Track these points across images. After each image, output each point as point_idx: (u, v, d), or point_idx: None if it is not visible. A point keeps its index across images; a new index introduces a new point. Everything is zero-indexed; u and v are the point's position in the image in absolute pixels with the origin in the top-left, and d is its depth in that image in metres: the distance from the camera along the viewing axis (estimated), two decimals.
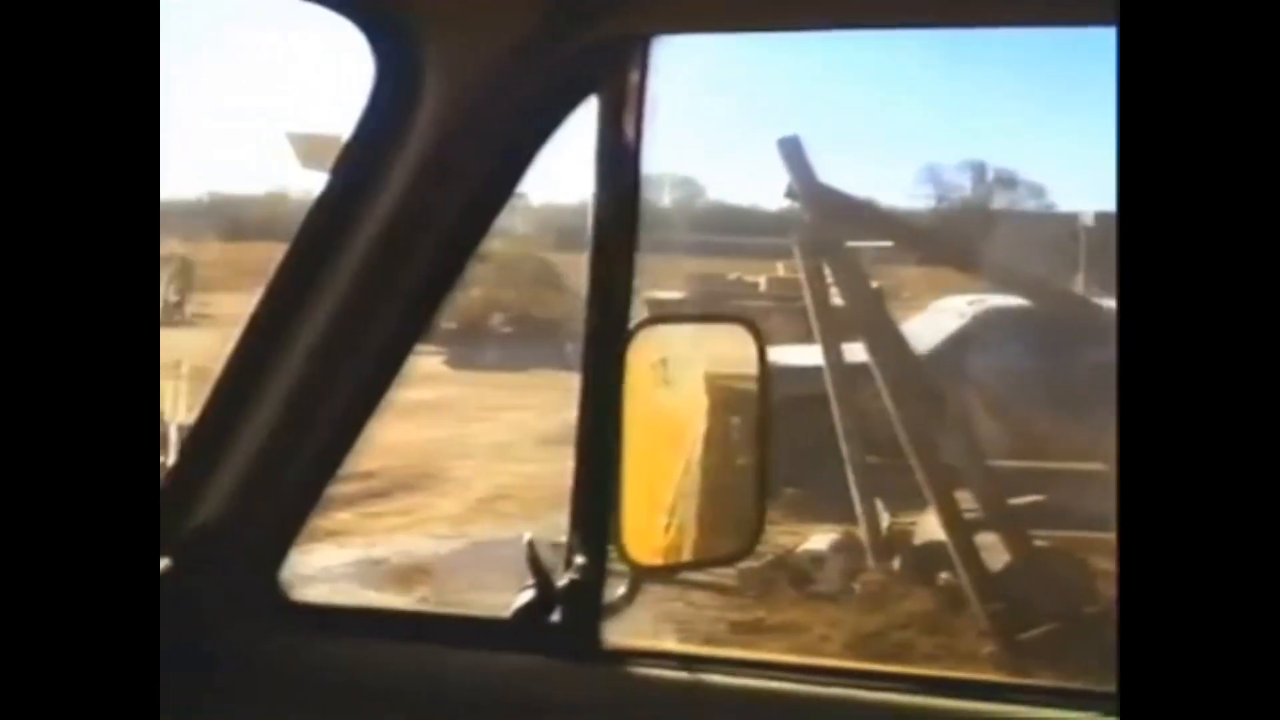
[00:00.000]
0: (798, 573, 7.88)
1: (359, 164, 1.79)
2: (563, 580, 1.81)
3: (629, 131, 1.75)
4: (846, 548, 8.17)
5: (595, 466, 1.79)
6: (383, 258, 1.79)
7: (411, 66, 1.72)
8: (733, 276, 15.60)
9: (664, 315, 2.40)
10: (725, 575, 7.38)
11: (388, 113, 1.76)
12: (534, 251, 15.77)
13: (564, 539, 1.82)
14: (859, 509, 8.26)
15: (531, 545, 1.83)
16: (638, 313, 1.81)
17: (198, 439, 1.90)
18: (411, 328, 1.85)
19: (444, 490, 9.82)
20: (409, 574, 7.86)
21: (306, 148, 12.61)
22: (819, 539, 8.22)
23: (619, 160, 1.76)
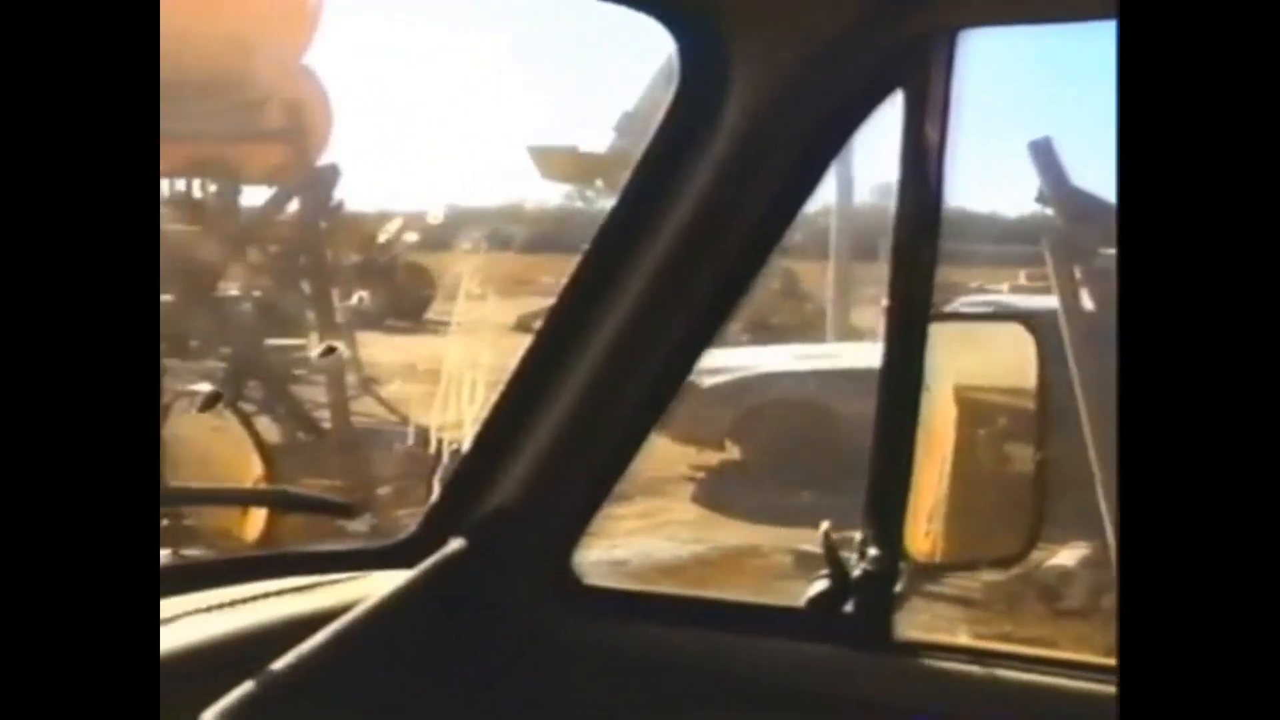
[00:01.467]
0: (1045, 588, 7.69)
1: (663, 161, 1.81)
2: (856, 571, 1.81)
3: (935, 129, 1.73)
4: (1095, 564, 7.93)
5: (891, 461, 1.79)
6: (683, 255, 1.82)
7: (718, 65, 1.74)
8: (974, 284, 15.30)
9: (953, 313, 2.39)
10: (971, 588, 7.25)
11: (692, 111, 1.78)
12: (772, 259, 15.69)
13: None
14: (1108, 525, 8.01)
15: (828, 535, 1.84)
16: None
17: (494, 424, 1.97)
18: (707, 325, 1.88)
19: (685, 495, 9.88)
20: (650, 576, 7.93)
21: (546, 160, 12.88)
22: (1067, 554, 8.00)
23: (924, 157, 1.75)
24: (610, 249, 1.87)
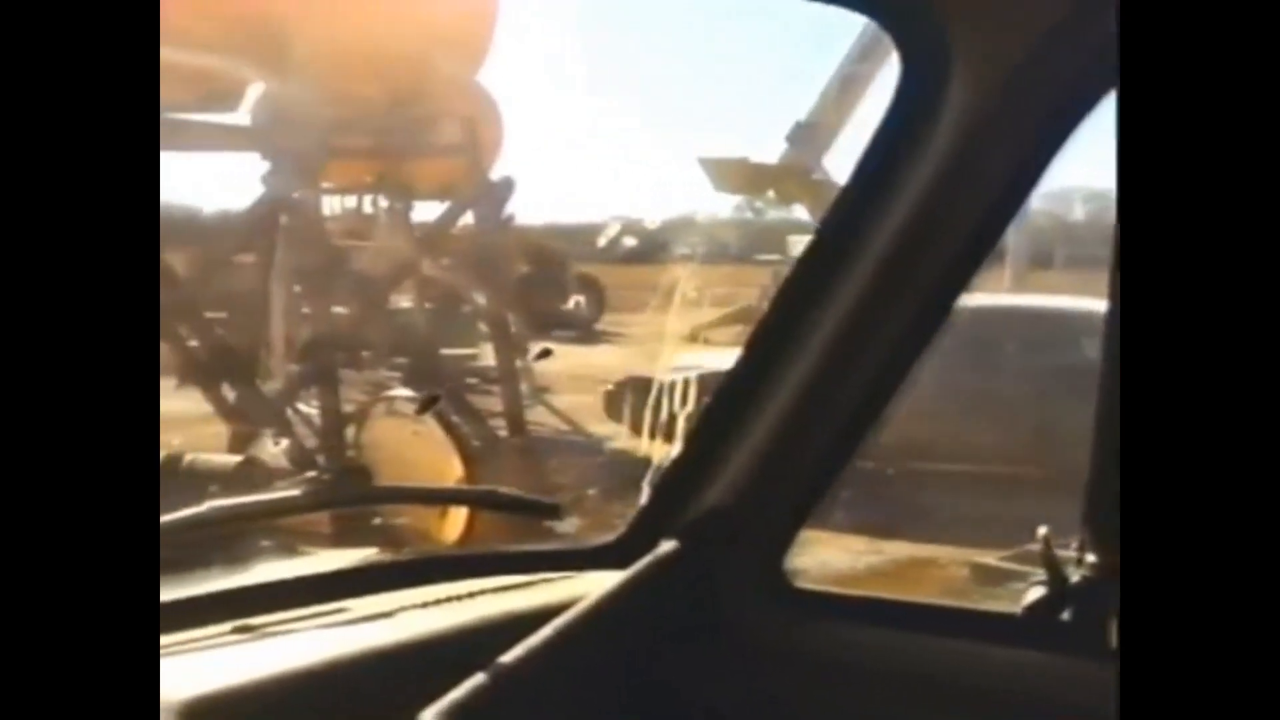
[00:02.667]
0: None
1: (881, 161, 1.80)
2: (1074, 578, 1.76)
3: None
4: None
5: (1110, 465, 1.74)
6: (901, 254, 1.80)
7: (939, 62, 1.71)
8: None
9: None
10: None
11: (913, 108, 1.76)
12: None
13: None
14: None
15: (1046, 541, 1.80)
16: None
17: (710, 423, 1.98)
18: (927, 323, 1.86)
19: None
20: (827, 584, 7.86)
21: (718, 171, 12.88)
22: None
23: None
24: (827, 249, 1.87)
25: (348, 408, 8.44)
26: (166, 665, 1.55)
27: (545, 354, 9.15)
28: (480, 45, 9.95)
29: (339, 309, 9.71)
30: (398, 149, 9.51)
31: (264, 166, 9.30)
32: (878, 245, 1.81)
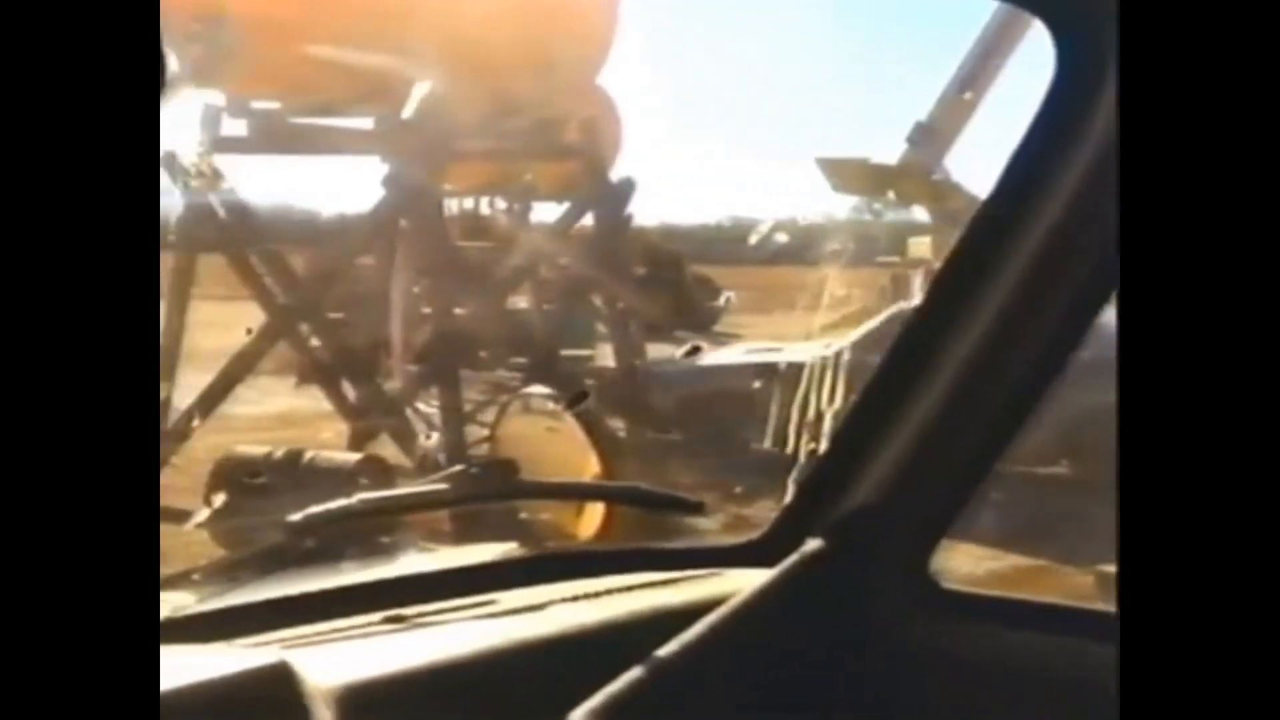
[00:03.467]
0: None
1: (1033, 160, 1.77)
2: None
3: None
4: None
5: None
6: (1052, 253, 1.77)
7: (1097, 63, 1.68)
8: None
9: None
10: None
11: (1068, 106, 1.73)
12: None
13: None
14: None
15: None
16: None
17: (856, 425, 1.96)
18: (1077, 325, 1.82)
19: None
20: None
21: (837, 172, 12.76)
22: None
23: None
24: (977, 247, 1.84)
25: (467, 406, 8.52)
26: (321, 652, 1.57)
27: (695, 351, 9.13)
28: (601, 47, 9.99)
29: (458, 309, 9.80)
30: (518, 151, 9.58)
31: (386, 169, 9.44)
32: (1029, 246, 1.78)
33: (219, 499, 8.51)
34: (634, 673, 1.64)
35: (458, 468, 1.83)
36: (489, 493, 2.09)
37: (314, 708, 1.42)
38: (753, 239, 11.67)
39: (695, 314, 13.85)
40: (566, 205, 10.56)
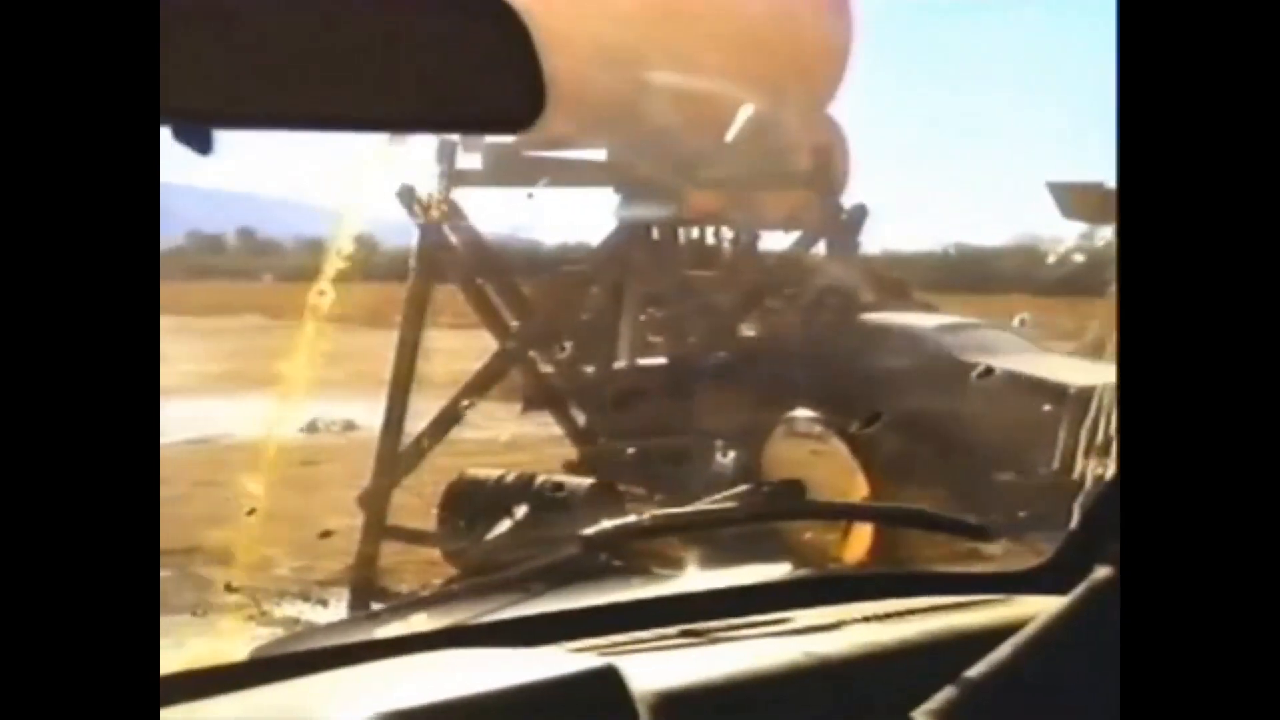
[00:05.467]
0: None
1: None
2: None
3: None
4: None
5: None
6: None
7: None
8: None
9: None
10: None
11: None
12: None
13: None
14: None
15: None
16: None
17: None
18: None
19: None
20: None
21: (1069, 197, 12.44)
22: None
23: None
24: None
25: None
26: (630, 661, 1.61)
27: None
28: (833, 77, 10.00)
29: (691, 338, 9.88)
30: (747, 179, 9.63)
31: (618, 199, 9.59)
32: None
33: (453, 518, 8.74)
34: (950, 691, 1.64)
35: (746, 486, 1.85)
36: (779, 512, 2.11)
37: (640, 712, 1.46)
38: (1050, 259, 11.49)
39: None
40: (795, 234, 10.56)
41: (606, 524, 1.97)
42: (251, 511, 8.93)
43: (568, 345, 10.03)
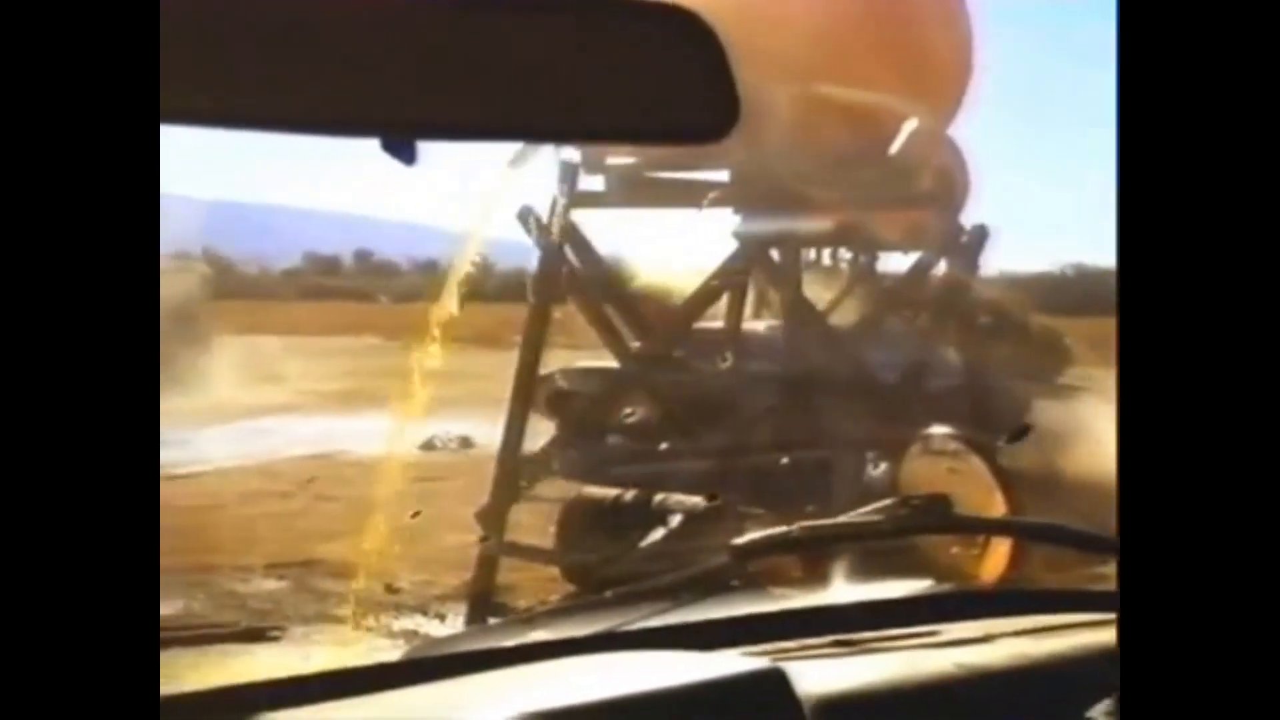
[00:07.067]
0: None
1: None
2: None
3: None
4: None
5: None
6: None
7: None
8: None
9: None
10: None
11: None
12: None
13: None
14: None
15: None
16: None
17: None
18: None
19: None
20: None
21: None
22: None
23: None
24: None
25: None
26: (794, 667, 1.63)
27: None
28: (956, 97, 9.95)
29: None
30: (866, 200, 9.61)
31: (739, 220, 9.62)
32: None
33: (571, 536, 8.81)
34: (1104, 705, 1.65)
35: (892, 500, 1.85)
36: (924, 525, 2.13)
37: (806, 712, 1.49)
38: None
39: (1040, 363, 13.48)
40: (915, 255, 10.50)
41: (756, 534, 2.00)
42: (416, 514, 9.12)
43: (729, 356, 9.98)
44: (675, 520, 8.38)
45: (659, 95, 1.15)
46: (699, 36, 1.13)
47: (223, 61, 1.01)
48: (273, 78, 1.05)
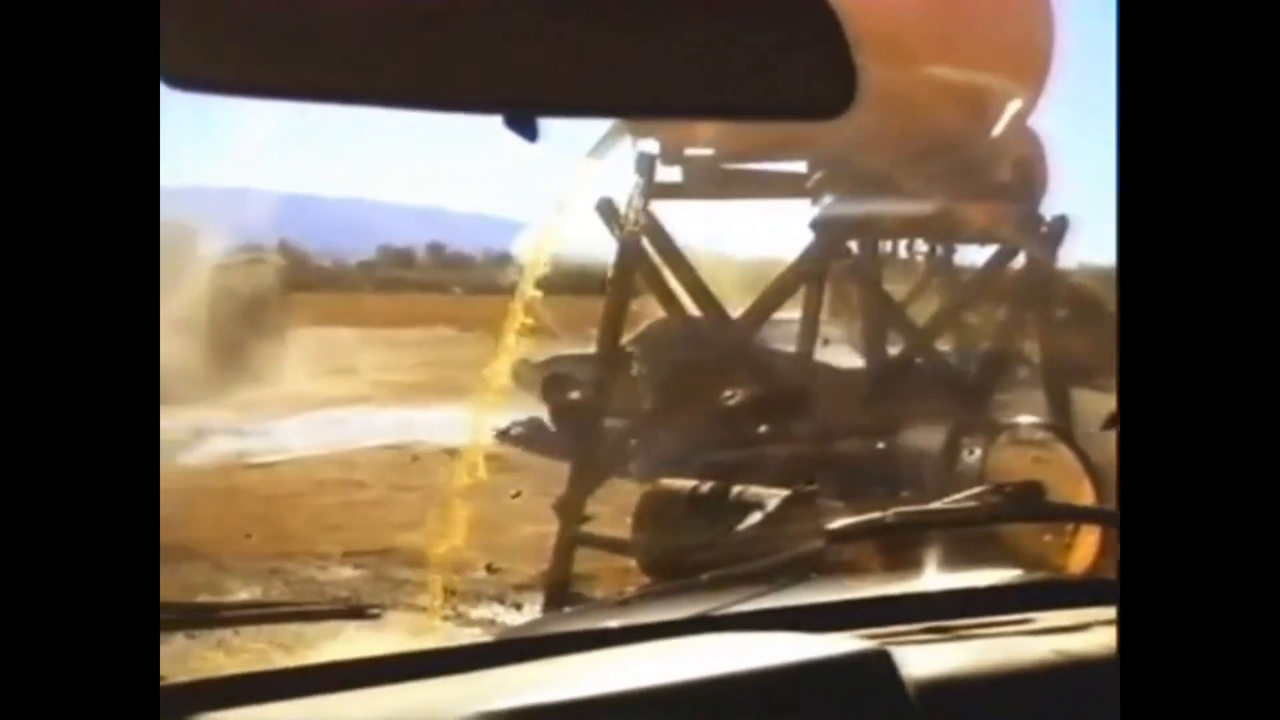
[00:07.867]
0: None
1: None
2: None
3: None
4: None
5: None
6: None
7: None
8: None
9: None
10: None
11: None
12: None
13: None
14: None
15: None
16: None
17: None
18: None
19: None
20: None
21: None
22: None
23: None
24: None
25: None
26: (895, 652, 1.64)
27: (1112, 423, 8.85)
28: (1036, 88, 9.86)
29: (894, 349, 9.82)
30: (946, 191, 9.55)
31: (816, 211, 9.59)
32: None
33: (648, 527, 8.83)
34: None
35: (985, 487, 1.86)
36: (1018, 513, 2.13)
37: (910, 694, 1.50)
38: None
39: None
40: (992, 247, 10.42)
41: (851, 519, 2.02)
42: (517, 495, 9.19)
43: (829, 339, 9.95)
44: (765, 506, 8.39)
45: (778, 71, 1.18)
46: (819, 11, 1.15)
47: (363, 41, 1.05)
48: (401, 57, 1.09)
